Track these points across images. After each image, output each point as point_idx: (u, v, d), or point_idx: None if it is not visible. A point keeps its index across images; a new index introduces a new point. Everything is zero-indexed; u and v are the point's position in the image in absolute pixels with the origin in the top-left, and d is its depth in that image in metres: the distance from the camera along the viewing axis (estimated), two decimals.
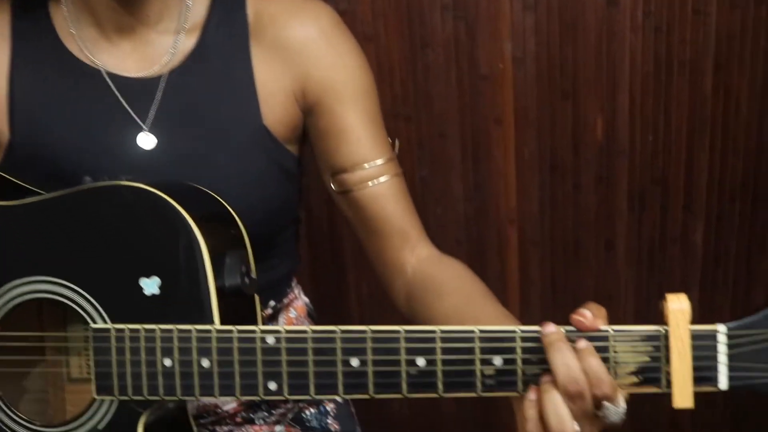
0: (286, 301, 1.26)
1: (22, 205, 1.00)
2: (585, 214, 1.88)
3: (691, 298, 0.84)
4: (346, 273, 1.96)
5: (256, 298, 1.01)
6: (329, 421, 1.26)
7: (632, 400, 0.87)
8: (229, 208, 1.02)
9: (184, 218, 0.92)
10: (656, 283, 1.90)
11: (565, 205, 1.89)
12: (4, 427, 1.00)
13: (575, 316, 0.85)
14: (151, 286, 0.93)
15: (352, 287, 1.96)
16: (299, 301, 1.30)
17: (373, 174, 1.14)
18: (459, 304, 1.05)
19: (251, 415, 1.23)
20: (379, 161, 1.14)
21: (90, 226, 0.96)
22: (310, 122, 1.16)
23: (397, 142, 1.18)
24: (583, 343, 0.84)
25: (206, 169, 1.09)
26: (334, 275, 1.97)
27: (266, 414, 1.23)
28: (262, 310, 1.08)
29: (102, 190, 0.96)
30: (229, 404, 1.21)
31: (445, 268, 1.14)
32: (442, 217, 1.91)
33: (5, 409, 1.00)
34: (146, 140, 1.10)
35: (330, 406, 1.27)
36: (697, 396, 0.84)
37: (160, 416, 0.98)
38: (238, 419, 1.22)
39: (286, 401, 1.25)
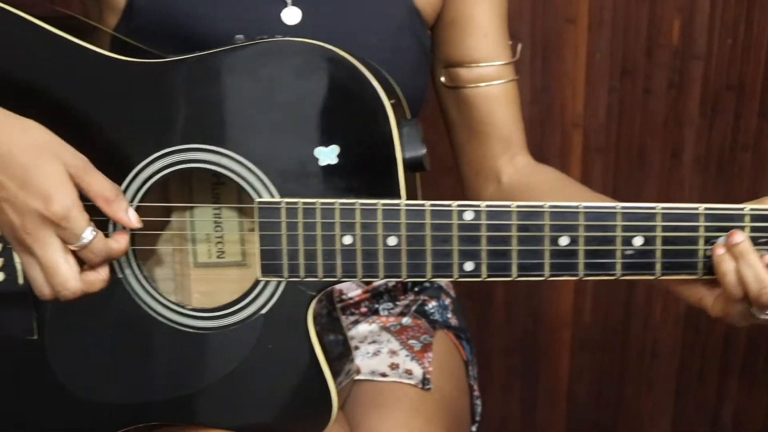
0: None
1: (166, 62, 0.87)
2: (653, 120, 1.82)
3: None
4: None
5: (417, 176, 0.93)
6: (449, 315, 1.19)
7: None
8: (391, 80, 0.93)
9: (369, 81, 0.83)
10: (722, 192, 1.84)
11: (633, 111, 1.82)
12: (149, 310, 0.90)
13: None
14: (328, 155, 0.84)
15: None
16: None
17: (490, 75, 1.09)
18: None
19: (375, 304, 1.16)
20: (499, 62, 1.09)
21: (253, 88, 0.85)
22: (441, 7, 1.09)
23: (519, 46, 1.12)
24: None
25: (358, 50, 0.98)
26: None
27: (390, 305, 1.17)
28: None
29: (269, 47, 0.85)
30: (354, 290, 1.14)
31: (541, 173, 1.12)
32: None
33: (151, 290, 0.90)
34: (291, 14, 1.00)
35: (447, 301, 1.21)
36: None
37: (324, 304, 0.90)
38: (363, 309, 1.15)
39: (405, 292, 1.18)
